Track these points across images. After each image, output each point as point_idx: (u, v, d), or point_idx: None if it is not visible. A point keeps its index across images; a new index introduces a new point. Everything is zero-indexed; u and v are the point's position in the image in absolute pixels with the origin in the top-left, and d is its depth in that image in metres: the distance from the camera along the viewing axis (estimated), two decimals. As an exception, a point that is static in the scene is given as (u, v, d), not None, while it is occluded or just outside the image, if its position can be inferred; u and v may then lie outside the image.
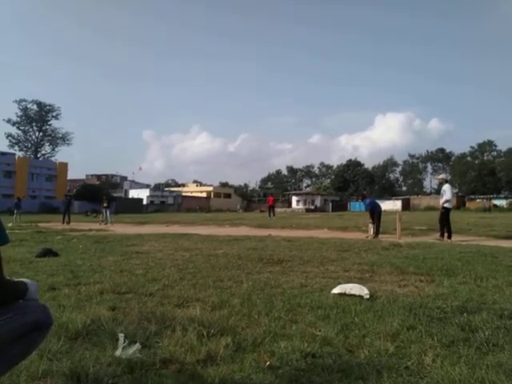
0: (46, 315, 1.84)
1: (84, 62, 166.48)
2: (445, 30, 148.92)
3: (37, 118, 72.72)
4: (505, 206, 54.69)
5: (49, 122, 74.35)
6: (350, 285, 4.17)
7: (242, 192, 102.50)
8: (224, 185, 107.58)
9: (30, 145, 73.95)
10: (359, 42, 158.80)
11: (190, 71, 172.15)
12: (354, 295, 3.87)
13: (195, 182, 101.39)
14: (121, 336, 2.42)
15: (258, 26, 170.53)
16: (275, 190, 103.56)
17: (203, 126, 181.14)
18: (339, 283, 4.43)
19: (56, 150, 76.01)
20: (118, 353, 2.33)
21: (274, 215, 28.89)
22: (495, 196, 64.43)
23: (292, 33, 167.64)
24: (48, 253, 7.23)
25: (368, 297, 3.80)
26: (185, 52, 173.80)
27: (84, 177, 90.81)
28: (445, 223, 11.07)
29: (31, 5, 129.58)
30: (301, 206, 70.35)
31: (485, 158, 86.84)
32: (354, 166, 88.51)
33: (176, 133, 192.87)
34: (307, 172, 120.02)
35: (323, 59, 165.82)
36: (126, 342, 2.40)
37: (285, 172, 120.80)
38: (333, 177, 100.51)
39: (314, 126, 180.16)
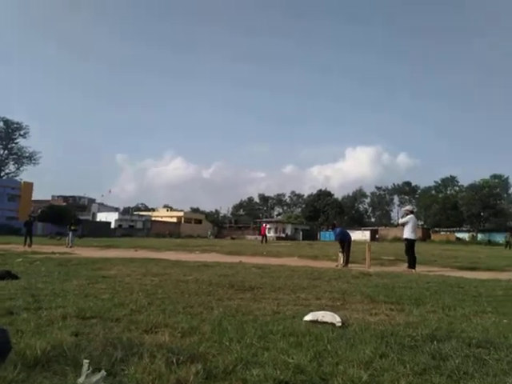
0: (4, 340, 1.72)
1: (54, 78, 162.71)
2: (406, 73, 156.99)
3: (2, 136, 70.38)
4: (467, 239, 56.77)
5: (15, 141, 72.08)
6: (322, 312, 4.15)
7: (214, 218, 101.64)
8: (195, 210, 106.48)
9: (-8, 163, 71.17)
10: (328, 82, 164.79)
11: (163, 93, 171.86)
12: (326, 322, 3.85)
13: (166, 206, 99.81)
14: (85, 362, 2.29)
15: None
16: (247, 217, 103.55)
17: (178, 151, 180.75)
18: (311, 310, 4.40)
19: (21, 169, 73.34)
20: (80, 381, 2.19)
21: (266, 241, 33.57)
22: (458, 229, 66.86)
23: (261, 72, 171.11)
24: (7, 275, 6.86)
25: (340, 324, 3.79)
26: (158, 72, 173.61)
27: (50, 198, 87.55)
28: (410, 254, 11.32)
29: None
30: (272, 233, 70.36)
31: (448, 192, 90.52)
32: (324, 195, 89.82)
33: (149, 157, 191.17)
34: (278, 200, 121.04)
35: (295, 97, 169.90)
36: (90, 369, 2.27)
37: (257, 200, 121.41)
38: (303, 206, 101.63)
39: (288, 157, 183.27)
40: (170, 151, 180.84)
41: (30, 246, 20.67)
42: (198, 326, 3.65)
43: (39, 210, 58.30)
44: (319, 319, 3.92)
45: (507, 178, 75.39)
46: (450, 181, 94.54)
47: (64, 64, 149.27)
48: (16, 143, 72.24)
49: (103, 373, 2.26)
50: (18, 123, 71.49)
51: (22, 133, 72.18)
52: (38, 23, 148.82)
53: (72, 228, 21.91)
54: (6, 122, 70.28)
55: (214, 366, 2.58)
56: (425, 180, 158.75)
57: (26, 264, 9.85)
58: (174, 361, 2.60)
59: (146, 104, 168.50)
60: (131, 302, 4.77)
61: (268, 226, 52.31)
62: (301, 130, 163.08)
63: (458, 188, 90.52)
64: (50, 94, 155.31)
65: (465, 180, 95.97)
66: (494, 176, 74.96)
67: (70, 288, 5.89)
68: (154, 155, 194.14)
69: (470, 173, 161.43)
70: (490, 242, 49.97)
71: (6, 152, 71.91)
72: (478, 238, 57.13)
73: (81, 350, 2.81)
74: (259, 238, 38.56)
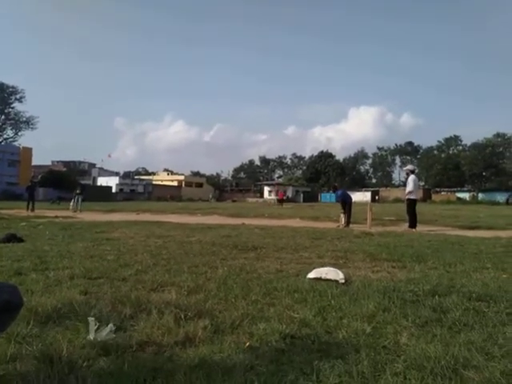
0: (15, 295, 1.75)
1: (55, 43, 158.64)
2: (417, 32, 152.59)
3: (-2, 100, 69.10)
4: (467, 199, 56.95)
5: (12, 105, 70.77)
6: (326, 269, 4.22)
7: (214, 181, 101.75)
8: (196, 174, 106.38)
9: (-10, 128, 70.29)
10: (333, 43, 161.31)
11: (164, 56, 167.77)
12: (329, 280, 3.91)
13: (166, 170, 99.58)
14: (91, 320, 2.33)
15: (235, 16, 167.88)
16: (248, 179, 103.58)
17: (178, 114, 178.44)
18: (314, 268, 4.46)
19: (19, 134, 72.55)
20: (91, 337, 2.24)
21: (282, 205, 36.25)
22: (459, 189, 66.96)
23: (268, 34, 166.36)
24: (12, 238, 6.94)
25: (343, 281, 3.86)
26: (160, 36, 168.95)
27: (50, 163, 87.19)
28: (411, 213, 11.37)
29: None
30: (273, 196, 70.53)
31: (450, 152, 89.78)
32: (325, 157, 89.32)
33: (149, 120, 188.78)
34: (279, 163, 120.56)
35: (301, 59, 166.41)
36: (97, 325, 2.32)
37: (258, 162, 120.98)
38: (304, 168, 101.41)
39: (290, 118, 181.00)
40: (171, 114, 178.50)
41: (32, 210, 20.79)
42: (204, 284, 3.72)
43: (39, 176, 58.28)
44: (323, 276, 3.99)
45: (511, 137, 74.38)
46: (453, 140, 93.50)
47: (60, 24, 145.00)
48: (12, 108, 71.07)
49: (111, 326, 2.33)
50: (13, 87, 69.88)
51: (17, 97, 70.79)
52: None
53: (77, 193, 22.33)
54: (1, 85, 68.71)
55: (221, 321, 2.64)
56: (428, 140, 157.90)
57: (30, 228, 9.95)
58: (182, 316, 2.67)
59: (145, 66, 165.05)
60: (136, 263, 4.85)
61: (282, 190, 52.61)
62: (303, 90, 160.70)
63: (461, 147, 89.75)
64: (46, 56, 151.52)
65: (469, 140, 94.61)
66: (498, 135, 73.96)
67: (76, 250, 5.98)
68: (154, 118, 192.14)
69: (475, 132, 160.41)
70: (507, 202, 45.66)
71: (2, 117, 70.86)
72: (479, 198, 57.22)
73: (90, 307, 2.88)
74: (260, 200, 39.73)
